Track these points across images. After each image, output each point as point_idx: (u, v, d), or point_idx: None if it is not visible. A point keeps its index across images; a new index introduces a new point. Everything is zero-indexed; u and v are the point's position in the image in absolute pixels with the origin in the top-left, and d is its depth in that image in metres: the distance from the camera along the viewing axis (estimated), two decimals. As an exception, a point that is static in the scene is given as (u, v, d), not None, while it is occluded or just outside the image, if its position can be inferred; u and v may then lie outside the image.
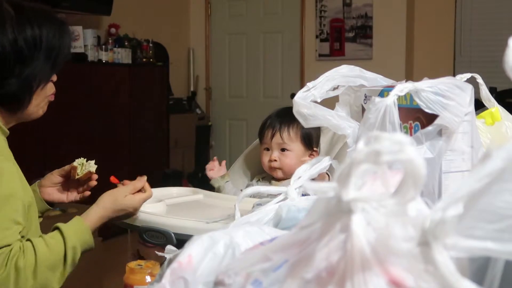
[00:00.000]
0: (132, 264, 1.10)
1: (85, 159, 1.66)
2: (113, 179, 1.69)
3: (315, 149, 2.02)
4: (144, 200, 1.55)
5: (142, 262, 1.11)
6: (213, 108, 6.54)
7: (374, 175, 0.59)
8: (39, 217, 1.68)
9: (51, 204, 1.71)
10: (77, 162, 1.65)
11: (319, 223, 0.61)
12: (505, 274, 0.53)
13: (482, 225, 0.49)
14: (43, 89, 1.51)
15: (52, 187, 1.70)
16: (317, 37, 5.89)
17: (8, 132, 1.56)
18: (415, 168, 0.53)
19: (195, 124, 6.09)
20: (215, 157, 2.15)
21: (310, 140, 1.99)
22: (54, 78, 1.55)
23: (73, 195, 1.71)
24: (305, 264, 0.59)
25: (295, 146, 1.99)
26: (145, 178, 1.58)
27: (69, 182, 1.71)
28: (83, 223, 1.47)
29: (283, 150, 1.98)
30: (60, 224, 1.45)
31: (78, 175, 1.63)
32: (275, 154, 1.98)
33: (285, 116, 2.00)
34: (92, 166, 1.64)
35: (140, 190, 1.57)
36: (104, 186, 1.66)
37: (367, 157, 0.57)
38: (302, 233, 0.63)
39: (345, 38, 5.79)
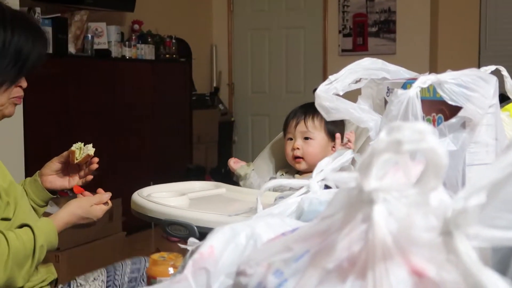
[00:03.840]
0: (155, 256, 1.11)
1: (83, 143, 1.69)
2: (76, 188, 1.72)
3: None
4: (105, 211, 1.64)
5: (165, 254, 1.12)
6: (235, 104, 6.55)
7: (396, 165, 0.58)
8: (43, 206, 1.73)
9: (54, 192, 1.74)
10: (75, 147, 1.68)
11: (341, 213, 0.61)
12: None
13: (505, 214, 0.49)
14: (6, 91, 1.53)
15: (52, 174, 1.73)
16: (339, 32, 5.87)
17: None
18: (436, 157, 0.53)
19: (218, 119, 6.10)
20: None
21: (333, 131, 1.99)
22: (23, 83, 1.58)
23: (75, 180, 1.75)
24: (326, 254, 0.59)
25: (319, 135, 1.99)
26: (109, 194, 1.65)
27: (69, 168, 1.74)
28: (51, 225, 1.52)
29: (306, 138, 1.99)
30: (30, 223, 1.48)
31: (77, 159, 1.66)
32: (298, 142, 1.99)
33: (310, 108, 2.01)
34: (90, 149, 1.67)
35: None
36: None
37: (388, 147, 0.57)
38: (324, 224, 0.63)
39: (368, 33, 5.76)
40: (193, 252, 0.81)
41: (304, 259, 0.61)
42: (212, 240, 0.80)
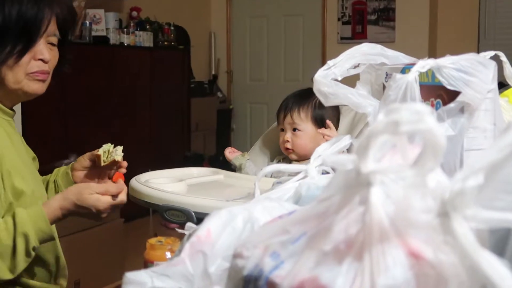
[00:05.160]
0: (153, 240, 1.11)
1: (112, 145, 1.58)
2: (116, 176, 1.60)
3: None
4: (111, 206, 1.43)
5: (162, 238, 1.12)
6: (234, 92, 6.54)
7: (394, 147, 0.58)
8: None
9: None
10: (103, 149, 1.57)
11: (338, 196, 0.61)
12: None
13: (503, 196, 0.48)
14: (18, 63, 1.43)
15: (82, 170, 1.66)
16: (339, 19, 5.85)
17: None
18: (434, 137, 0.52)
19: (216, 107, 6.10)
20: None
21: (322, 120, 1.99)
22: (44, 55, 1.47)
23: (104, 181, 1.64)
24: (323, 236, 0.58)
25: (306, 126, 2.00)
26: (125, 188, 1.48)
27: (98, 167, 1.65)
28: (40, 210, 1.38)
29: (294, 130, 2.01)
30: (17, 209, 1.38)
31: (104, 162, 1.56)
32: (288, 134, 2.01)
33: (298, 97, 2.02)
34: (118, 154, 1.56)
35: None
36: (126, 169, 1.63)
37: (386, 128, 0.56)
38: (321, 206, 0.63)
39: (367, 20, 5.74)
40: (190, 235, 0.80)
41: (301, 241, 0.61)
42: (209, 223, 0.79)
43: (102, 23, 4.72)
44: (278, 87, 6.16)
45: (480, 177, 0.49)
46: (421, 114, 0.53)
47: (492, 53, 1.25)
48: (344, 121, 2.05)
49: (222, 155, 2.18)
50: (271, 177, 1.65)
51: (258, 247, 0.65)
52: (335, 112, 2.03)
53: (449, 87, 1.01)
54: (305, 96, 2.02)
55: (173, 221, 1.45)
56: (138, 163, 4.25)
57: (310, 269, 0.57)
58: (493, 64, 1.02)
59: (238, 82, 6.51)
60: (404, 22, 5.56)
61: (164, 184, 1.62)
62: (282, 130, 2.06)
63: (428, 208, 0.52)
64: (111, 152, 1.56)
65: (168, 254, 1.08)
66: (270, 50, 6.32)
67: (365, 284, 0.52)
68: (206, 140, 5.90)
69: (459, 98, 1.01)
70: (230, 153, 2.07)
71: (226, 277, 0.71)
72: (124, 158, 1.60)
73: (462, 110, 1.01)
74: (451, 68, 1.00)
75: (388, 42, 5.48)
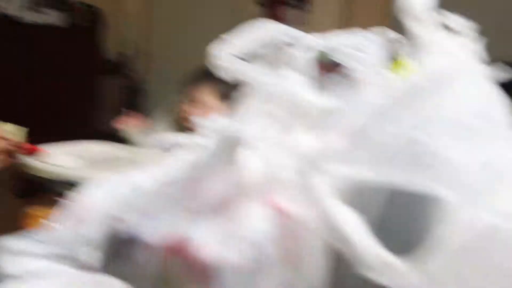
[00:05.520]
0: (32, 211, 1.08)
1: (13, 126, 1.51)
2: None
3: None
4: None
5: (43, 208, 1.09)
6: (148, 72, 6.45)
7: (265, 112, 0.59)
8: None
9: None
10: (3, 129, 1.49)
11: (212, 158, 0.61)
12: (386, 204, 0.53)
13: (361, 153, 0.50)
14: None
15: None
16: (256, 2, 5.87)
17: None
18: (301, 102, 0.54)
19: (129, 87, 6.01)
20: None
21: (225, 94, 2.02)
22: None
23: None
24: (194, 196, 0.59)
25: (208, 99, 2.03)
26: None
27: None
28: None
29: (196, 102, 2.03)
30: None
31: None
32: (190, 106, 2.03)
33: (202, 71, 2.03)
34: (17, 134, 1.47)
35: None
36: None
37: (259, 95, 0.57)
38: (195, 169, 0.64)
39: (283, 2, 5.78)
40: (70, 203, 0.80)
41: (174, 203, 0.61)
42: (89, 191, 0.79)
43: (12, 1, 4.54)
44: (193, 67, 6.12)
45: (341, 137, 0.51)
46: (289, 81, 0.55)
47: (382, 29, 1.28)
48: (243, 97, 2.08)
49: (126, 134, 2.13)
50: (166, 148, 1.64)
51: (135, 211, 0.65)
52: (235, 87, 2.05)
53: (339, 63, 1.03)
54: (209, 71, 2.02)
55: (59, 193, 1.41)
56: (43, 141, 4.14)
57: (179, 228, 0.57)
58: (380, 40, 1.05)
59: (155, 62, 6.43)
60: (319, 5, 5.63)
61: (56, 158, 1.58)
62: (185, 102, 2.07)
63: (292, 167, 0.53)
64: (11, 132, 1.50)
65: (48, 223, 1.05)
66: (187, 30, 6.26)
67: (231, 239, 0.53)
68: (114, 119, 5.80)
69: (347, 73, 1.03)
70: (127, 123, 2.04)
71: (103, 241, 0.70)
72: (30, 137, 1.51)
73: (350, 84, 1.04)
74: (341, 44, 1.03)
75: (302, 24, 5.55)
